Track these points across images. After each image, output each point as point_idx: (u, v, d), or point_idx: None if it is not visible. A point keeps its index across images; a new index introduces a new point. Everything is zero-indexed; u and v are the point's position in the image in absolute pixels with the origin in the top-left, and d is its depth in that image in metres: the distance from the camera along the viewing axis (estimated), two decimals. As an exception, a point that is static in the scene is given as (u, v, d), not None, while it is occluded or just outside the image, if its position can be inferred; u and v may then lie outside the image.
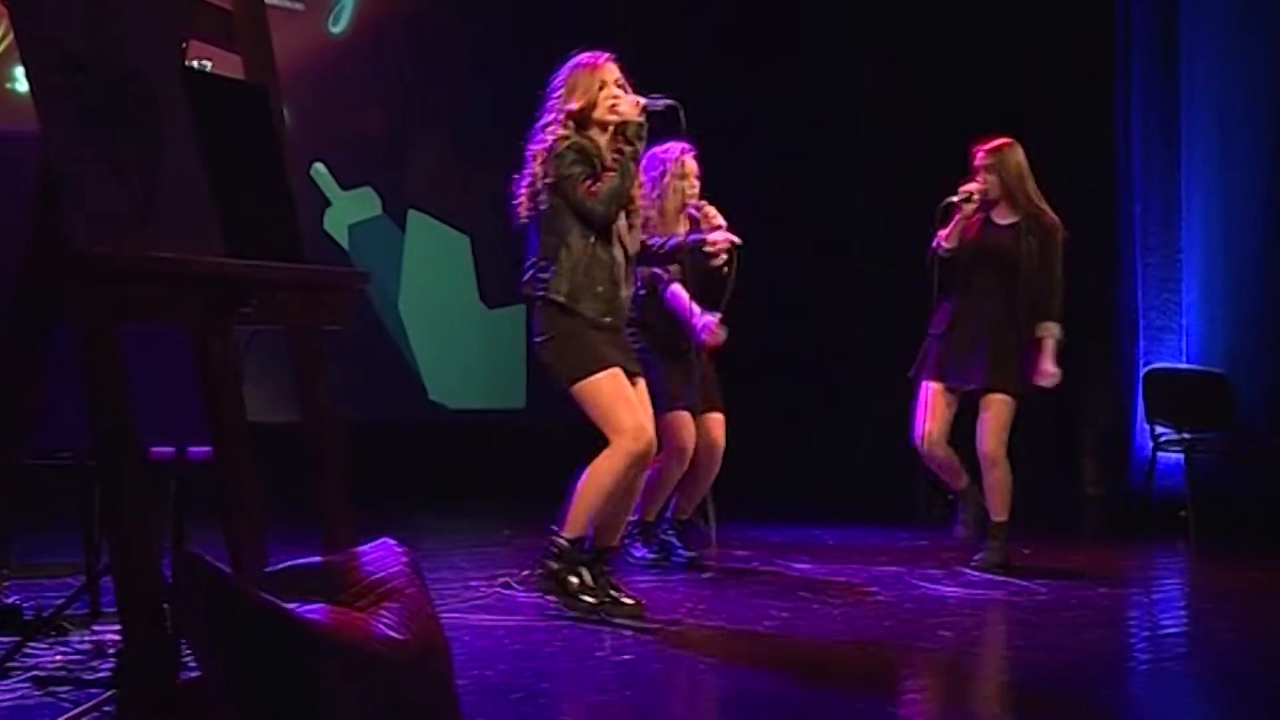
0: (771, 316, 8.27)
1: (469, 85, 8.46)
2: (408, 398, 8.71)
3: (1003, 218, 5.46)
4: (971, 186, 5.46)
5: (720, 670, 3.74)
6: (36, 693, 3.10)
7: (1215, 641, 4.18)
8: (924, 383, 5.51)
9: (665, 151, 5.32)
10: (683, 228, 5.26)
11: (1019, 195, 5.43)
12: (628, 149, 4.27)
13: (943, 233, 5.45)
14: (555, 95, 4.33)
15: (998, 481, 5.38)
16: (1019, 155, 5.47)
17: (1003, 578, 5.16)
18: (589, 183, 4.22)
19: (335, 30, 8.59)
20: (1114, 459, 8.17)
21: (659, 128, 4.48)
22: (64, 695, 3.08)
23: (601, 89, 4.30)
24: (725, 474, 5.54)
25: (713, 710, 3.31)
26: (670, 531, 5.52)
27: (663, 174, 5.34)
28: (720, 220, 5.28)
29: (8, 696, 3.07)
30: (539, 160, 4.27)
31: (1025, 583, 5.09)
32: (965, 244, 5.44)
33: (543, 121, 4.33)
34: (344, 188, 8.47)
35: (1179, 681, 3.63)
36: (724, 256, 4.93)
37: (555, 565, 4.26)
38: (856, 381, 8.57)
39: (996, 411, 5.37)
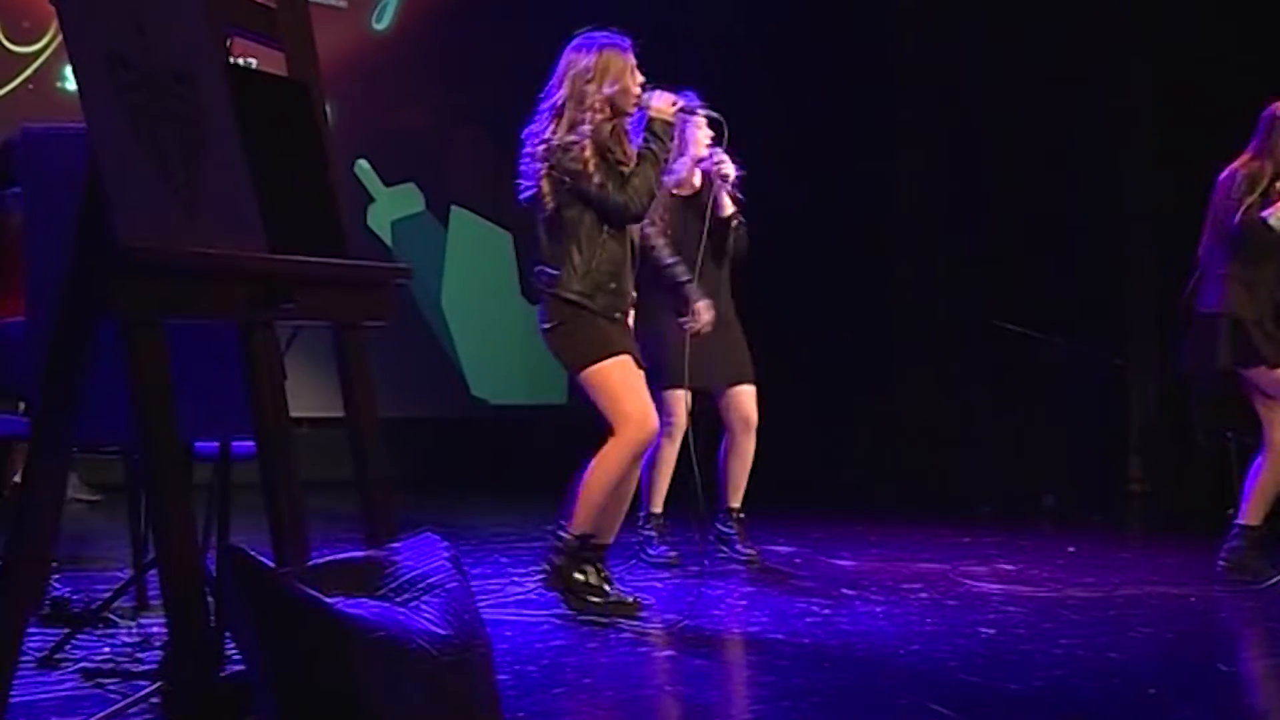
0: (814, 310, 8.25)
1: (512, 81, 8.48)
2: (450, 393, 8.76)
3: None
4: None
5: (761, 666, 3.73)
6: (84, 685, 3.14)
7: (1265, 639, 4.14)
8: (1271, 370, 4.94)
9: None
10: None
11: None
12: (656, 145, 4.16)
13: None
14: (586, 79, 4.14)
15: None
16: None
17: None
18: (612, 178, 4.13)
19: (378, 27, 8.64)
20: (1160, 455, 8.10)
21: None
22: (111, 687, 3.11)
23: (632, 75, 4.20)
24: (767, 468, 5.52)
25: (754, 705, 3.30)
26: (729, 525, 5.43)
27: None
28: (729, 168, 5.08)
29: (56, 688, 3.10)
30: (558, 150, 4.12)
31: (1070, 581, 5.05)
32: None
33: (558, 101, 4.15)
34: (387, 184, 8.52)
35: (1228, 680, 3.60)
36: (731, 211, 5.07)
37: (561, 561, 4.22)
38: (900, 374, 8.53)
39: None
